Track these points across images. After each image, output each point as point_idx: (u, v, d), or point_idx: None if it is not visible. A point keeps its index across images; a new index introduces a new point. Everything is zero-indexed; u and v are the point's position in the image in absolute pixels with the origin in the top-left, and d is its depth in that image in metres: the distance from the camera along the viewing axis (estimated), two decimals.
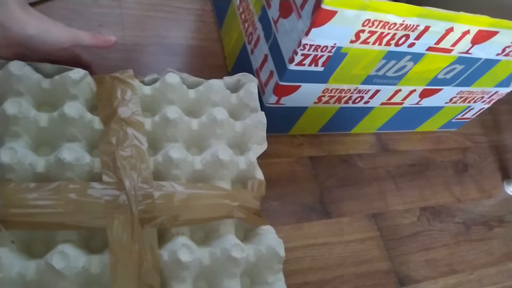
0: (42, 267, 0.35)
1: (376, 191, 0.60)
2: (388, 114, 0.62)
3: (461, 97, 0.62)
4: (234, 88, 0.53)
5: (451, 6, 0.45)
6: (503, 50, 0.53)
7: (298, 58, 0.45)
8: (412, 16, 0.43)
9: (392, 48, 0.47)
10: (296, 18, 0.43)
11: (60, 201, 0.38)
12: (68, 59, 0.47)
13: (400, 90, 0.56)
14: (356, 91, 0.53)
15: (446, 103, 0.63)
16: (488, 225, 0.65)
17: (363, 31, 0.43)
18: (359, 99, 0.55)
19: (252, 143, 0.50)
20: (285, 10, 0.46)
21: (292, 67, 0.46)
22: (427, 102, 0.61)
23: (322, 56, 0.45)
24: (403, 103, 0.60)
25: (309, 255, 0.51)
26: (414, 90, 0.57)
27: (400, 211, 0.60)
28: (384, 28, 0.43)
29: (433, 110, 0.64)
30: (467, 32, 0.47)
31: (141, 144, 0.44)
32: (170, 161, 0.43)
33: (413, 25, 0.44)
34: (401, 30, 0.44)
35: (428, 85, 0.57)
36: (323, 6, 0.39)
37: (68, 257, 0.36)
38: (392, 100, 0.58)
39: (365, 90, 0.54)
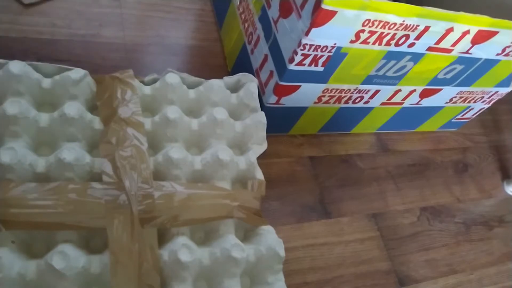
0: (42, 267, 0.35)
1: (376, 191, 0.60)
2: (388, 114, 0.62)
3: (461, 97, 0.62)
4: (234, 88, 0.53)
5: (451, 6, 0.45)
6: (503, 50, 0.53)
7: (298, 58, 0.45)
8: (412, 16, 0.43)
9: (392, 48, 0.47)
10: (296, 18, 0.43)
11: (60, 201, 0.38)
12: None
13: (400, 90, 0.56)
14: (356, 91, 0.53)
15: (446, 103, 0.63)
16: (488, 225, 0.65)
17: (363, 31, 0.43)
18: (359, 99, 0.55)
19: (252, 143, 0.50)
20: (285, 10, 0.46)
21: (292, 67, 0.46)
22: (427, 102, 0.61)
23: (322, 56, 0.45)
24: (403, 103, 0.60)
25: (309, 255, 0.51)
26: (414, 90, 0.57)
27: (400, 211, 0.60)
28: (384, 28, 0.43)
29: (433, 110, 0.64)
30: (467, 32, 0.47)
31: (141, 144, 0.44)
32: (170, 161, 0.43)
33: (413, 25, 0.44)
34: (401, 30, 0.44)
35: (428, 85, 0.57)
36: (323, 6, 0.39)
37: (68, 257, 0.36)
38: (392, 100, 0.58)
39: (365, 90, 0.54)
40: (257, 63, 0.53)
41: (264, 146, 0.51)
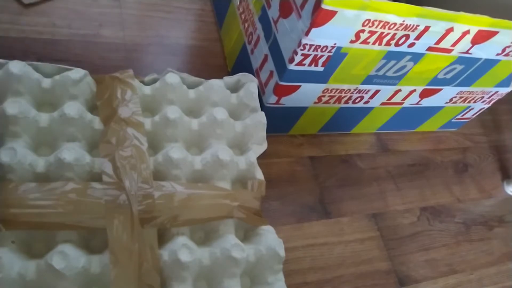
0: (42, 267, 0.35)
1: (376, 191, 0.60)
2: (388, 114, 0.62)
3: (461, 97, 0.62)
4: (234, 88, 0.53)
5: (451, 6, 0.45)
6: (503, 50, 0.53)
7: (298, 58, 0.45)
8: (412, 16, 0.43)
9: (392, 48, 0.47)
10: (296, 18, 0.43)
11: (60, 201, 0.38)
12: None
13: (400, 90, 0.56)
14: (356, 91, 0.53)
15: (446, 103, 0.63)
16: (488, 225, 0.65)
17: (363, 31, 0.43)
18: (359, 99, 0.55)
19: (252, 143, 0.50)
20: (285, 10, 0.46)
21: (292, 67, 0.46)
22: (427, 102, 0.61)
23: (322, 56, 0.45)
24: (403, 103, 0.60)
25: (309, 255, 0.51)
26: (414, 90, 0.57)
27: (400, 211, 0.60)
28: (384, 28, 0.43)
29: (433, 110, 0.64)
30: (467, 32, 0.47)
31: (141, 144, 0.44)
32: (170, 161, 0.43)
33: (413, 25, 0.44)
34: (401, 30, 0.44)
35: (428, 85, 0.57)
36: (323, 6, 0.39)
37: (68, 257, 0.36)
38: (392, 100, 0.58)
39: (365, 90, 0.54)
40: (257, 63, 0.53)
41: (264, 146, 0.51)
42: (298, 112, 0.55)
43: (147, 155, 0.43)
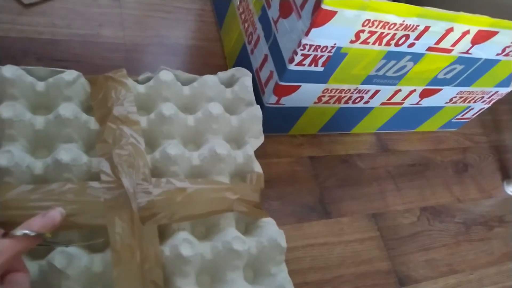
0: (45, 267, 0.36)
1: (376, 191, 0.60)
2: (388, 114, 0.62)
3: (461, 97, 0.62)
4: (229, 83, 0.53)
5: (451, 6, 0.45)
6: (503, 50, 0.53)
7: (298, 58, 0.45)
8: (412, 16, 0.43)
9: (392, 48, 0.47)
10: (296, 18, 0.43)
11: (59, 201, 0.38)
12: None
13: (400, 90, 0.56)
14: (356, 91, 0.53)
15: (446, 103, 0.63)
16: (488, 225, 0.65)
17: (363, 31, 0.43)
18: (359, 99, 0.55)
19: (249, 137, 0.50)
20: (285, 10, 0.46)
21: (292, 67, 0.46)
22: (427, 102, 0.61)
23: (322, 56, 0.45)
24: (403, 103, 0.60)
25: (309, 255, 0.51)
26: (414, 90, 0.57)
27: (400, 211, 0.60)
28: (384, 28, 0.43)
29: (433, 110, 0.64)
30: (467, 32, 0.47)
31: (138, 142, 0.44)
32: (167, 158, 0.43)
33: (413, 25, 0.44)
34: (401, 30, 0.44)
35: (428, 85, 0.57)
36: (323, 6, 0.39)
37: (70, 256, 0.36)
38: (392, 100, 0.58)
39: (365, 90, 0.54)
40: (257, 63, 0.53)
41: (261, 139, 0.51)
42: (298, 112, 0.55)
43: (145, 153, 0.43)
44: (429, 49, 0.49)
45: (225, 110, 0.49)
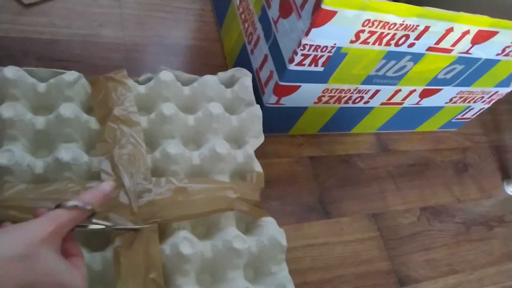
0: None
1: (376, 191, 0.60)
2: (388, 114, 0.62)
3: (461, 97, 0.62)
4: (229, 83, 0.53)
5: (451, 6, 0.45)
6: (503, 50, 0.53)
7: (298, 58, 0.45)
8: (412, 16, 0.43)
9: (392, 48, 0.47)
10: (296, 18, 0.43)
11: (60, 201, 0.38)
12: None
13: (400, 90, 0.56)
14: (356, 91, 0.53)
15: (446, 103, 0.63)
16: (488, 225, 0.65)
17: (363, 31, 0.43)
18: (359, 99, 0.55)
19: (249, 137, 0.50)
20: (285, 10, 0.46)
21: (292, 67, 0.46)
22: (427, 102, 0.61)
23: (322, 56, 0.45)
24: (403, 103, 0.60)
25: (309, 255, 0.51)
26: (414, 90, 0.57)
27: (400, 211, 0.60)
28: (384, 28, 0.43)
29: (433, 110, 0.64)
30: (467, 32, 0.47)
31: (138, 141, 0.44)
32: (168, 157, 0.43)
33: (413, 25, 0.44)
34: (401, 30, 0.44)
35: (428, 85, 0.57)
36: (323, 6, 0.39)
37: None
38: (392, 100, 0.58)
39: (365, 90, 0.54)
40: (257, 63, 0.53)
41: (261, 139, 0.51)
42: (298, 112, 0.55)
43: (145, 152, 0.43)
44: (429, 49, 0.49)
45: (225, 110, 0.49)
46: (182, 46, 0.62)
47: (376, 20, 0.42)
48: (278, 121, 0.55)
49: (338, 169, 0.60)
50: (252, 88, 0.51)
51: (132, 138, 0.43)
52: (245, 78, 0.51)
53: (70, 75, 0.45)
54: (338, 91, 0.52)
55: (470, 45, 0.50)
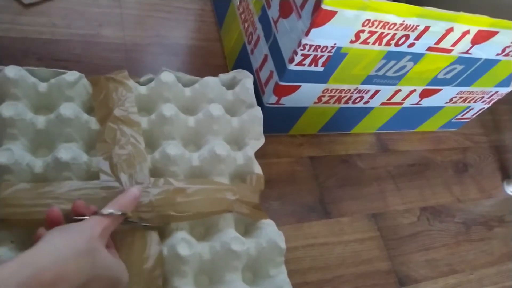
0: None
1: (376, 191, 0.60)
2: (388, 114, 0.62)
3: (461, 97, 0.62)
4: (230, 85, 0.53)
5: (451, 6, 0.45)
6: (503, 50, 0.53)
7: (298, 58, 0.45)
8: (412, 16, 0.43)
9: (392, 48, 0.47)
10: (296, 18, 0.43)
11: (58, 200, 0.38)
12: None
13: (400, 90, 0.56)
14: (356, 91, 0.53)
15: (446, 103, 0.63)
16: (488, 225, 0.65)
17: (363, 31, 0.43)
18: (359, 99, 0.55)
19: (250, 138, 0.50)
20: (285, 10, 0.46)
21: (292, 67, 0.46)
22: (427, 102, 0.61)
23: (322, 56, 0.45)
24: (403, 103, 0.60)
25: (309, 255, 0.51)
26: (414, 90, 0.57)
27: (400, 211, 0.60)
28: (384, 28, 0.43)
29: (433, 110, 0.64)
30: (467, 32, 0.47)
31: (138, 142, 0.44)
32: (167, 158, 0.43)
33: (413, 25, 0.44)
34: (401, 30, 0.44)
35: (428, 85, 0.57)
36: (323, 6, 0.39)
37: None
38: (392, 100, 0.58)
39: (365, 90, 0.54)
40: (257, 63, 0.53)
41: (261, 141, 0.51)
42: (298, 112, 0.55)
43: (145, 153, 0.43)
44: (429, 49, 0.49)
45: (226, 111, 0.49)
46: (182, 46, 0.62)
47: (376, 20, 0.42)
48: (278, 121, 0.55)
49: (338, 169, 0.60)
50: (253, 90, 0.51)
51: (132, 139, 0.43)
52: (246, 80, 0.51)
53: (71, 75, 0.45)
54: (338, 91, 0.52)
55: (470, 45, 0.50)
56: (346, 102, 0.55)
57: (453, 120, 0.70)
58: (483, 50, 0.52)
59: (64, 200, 0.38)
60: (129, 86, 0.47)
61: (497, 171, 0.73)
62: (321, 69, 0.47)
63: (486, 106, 0.68)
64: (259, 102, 0.52)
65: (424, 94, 0.59)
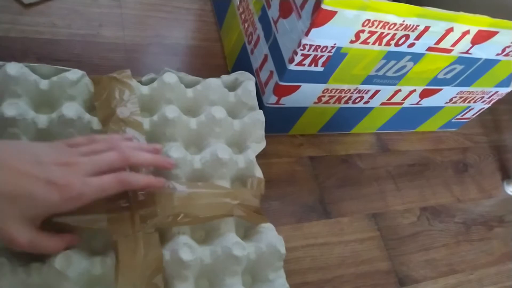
0: (45, 269, 0.35)
1: (376, 191, 0.60)
2: (388, 114, 0.62)
3: (461, 97, 0.62)
4: (232, 87, 0.53)
5: (451, 6, 0.45)
6: (503, 50, 0.53)
7: (298, 58, 0.45)
8: (412, 16, 0.43)
9: (392, 48, 0.47)
10: (296, 18, 0.43)
11: None
12: None
13: (400, 90, 0.56)
14: (356, 91, 0.53)
15: (446, 103, 0.63)
16: (488, 225, 0.65)
17: (363, 31, 0.43)
18: (359, 99, 0.55)
19: (251, 142, 0.50)
20: (285, 10, 0.46)
21: (292, 67, 0.46)
22: (427, 102, 0.61)
23: (322, 56, 0.45)
24: (403, 103, 0.60)
25: (309, 255, 0.51)
26: (414, 90, 0.57)
27: (400, 211, 0.60)
28: (384, 28, 0.43)
29: (433, 110, 0.64)
30: (467, 32, 0.47)
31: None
32: None
33: (413, 25, 0.44)
34: (401, 30, 0.44)
35: (428, 85, 0.57)
36: (323, 6, 0.39)
37: (70, 258, 0.36)
38: (392, 100, 0.58)
39: (365, 90, 0.54)
40: (257, 63, 0.53)
41: (262, 144, 0.51)
42: (298, 112, 0.55)
43: None
44: (429, 49, 0.49)
45: (228, 114, 0.49)
46: (182, 46, 0.62)
47: (376, 20, 0.42)
48: (278, 121, 0.55)
49: (338, 169, 0.60)
50: (255, 93, 0.51)
51: (134, 140, 0.43)
52: (249, 82, 0.51)
53: (74, 74, 0.44)
54: (338, 91, 0.52)
55: (470, 45, 0.50)
56: (346, 102, 0.55)
57: (453, 120, 0.70)
58: (483, 50, 0.52)
59: None
60: (131, 86, 0.47)
61: (497, 171, 0.73)
62: (321, 69, 0.47)
63: (486, 106, 0.68)
64: (259, 102, 0.52)
65: (424, 94, 0.59)
